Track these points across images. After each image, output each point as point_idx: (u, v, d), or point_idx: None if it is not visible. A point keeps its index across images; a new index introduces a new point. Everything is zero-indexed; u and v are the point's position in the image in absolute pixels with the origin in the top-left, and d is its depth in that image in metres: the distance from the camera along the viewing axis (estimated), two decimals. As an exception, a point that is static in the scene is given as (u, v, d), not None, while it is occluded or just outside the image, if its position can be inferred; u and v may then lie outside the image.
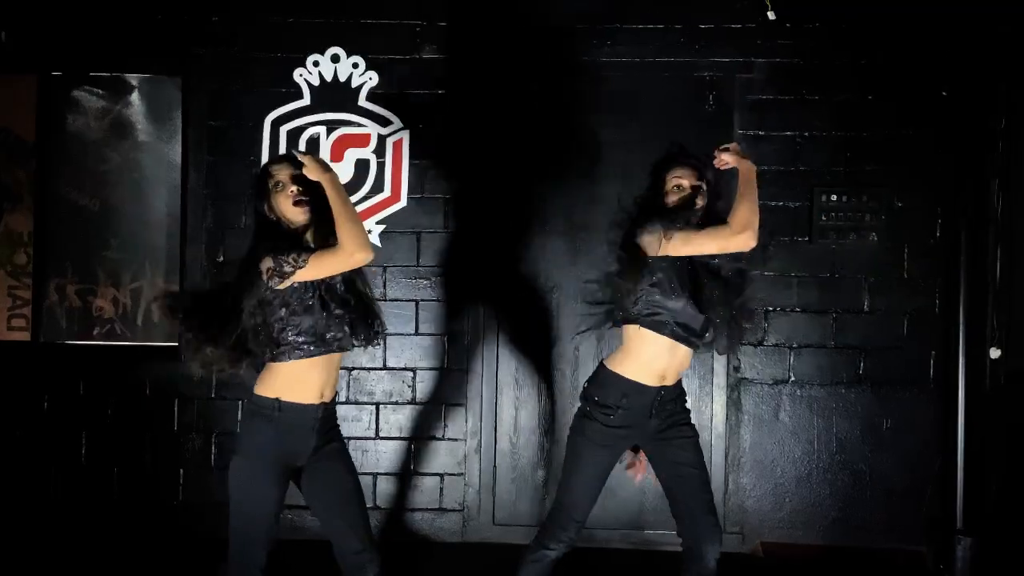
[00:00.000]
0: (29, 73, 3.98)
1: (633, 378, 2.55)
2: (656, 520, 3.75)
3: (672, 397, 2.63)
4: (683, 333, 2.54)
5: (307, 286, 2.32)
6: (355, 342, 2.40)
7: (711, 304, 2.54)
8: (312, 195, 2.35)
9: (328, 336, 2.34)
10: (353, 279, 2.42)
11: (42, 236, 4.00)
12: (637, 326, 2.56)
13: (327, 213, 2.32)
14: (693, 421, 2.71)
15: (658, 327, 2.53)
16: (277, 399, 2.35)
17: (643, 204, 2.62)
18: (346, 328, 2.36)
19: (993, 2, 3.61)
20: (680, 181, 2.60)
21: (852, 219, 3.79)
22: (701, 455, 2.65)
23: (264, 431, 2.35)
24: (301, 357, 2.33)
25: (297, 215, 2.36)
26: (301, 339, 2.32)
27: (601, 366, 2.65)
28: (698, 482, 2.59)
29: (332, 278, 2.36)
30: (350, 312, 2.38)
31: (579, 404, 2.67)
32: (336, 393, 2.51)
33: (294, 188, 2.35)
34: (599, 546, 3.75)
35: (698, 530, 2.55)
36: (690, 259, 2.55)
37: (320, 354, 2.34)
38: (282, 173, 2.38)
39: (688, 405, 2.73)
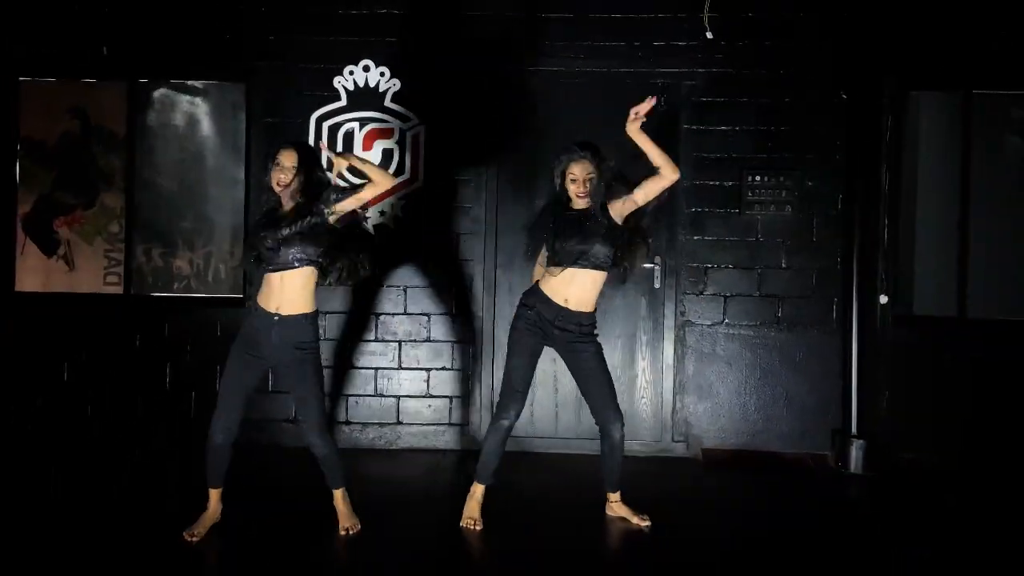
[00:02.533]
0: (121, 80, 4.94)
1: (545, 292, 3.49)
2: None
3: (576, 321, 3.46)
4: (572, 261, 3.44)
5: None
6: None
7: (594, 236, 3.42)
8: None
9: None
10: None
11: (132, 211, 4.95)
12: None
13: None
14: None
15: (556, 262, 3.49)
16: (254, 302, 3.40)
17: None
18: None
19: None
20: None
21: (773, 195, 4.76)
22: (602, 362, 3.53)
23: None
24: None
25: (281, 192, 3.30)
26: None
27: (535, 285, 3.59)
28: (599, 381, 3.50)
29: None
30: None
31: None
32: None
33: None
34: (576, 452, 4.73)
35: (604, 416, 3.52)
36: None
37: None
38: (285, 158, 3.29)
39: (594, 332, 3.56)
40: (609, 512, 3.69)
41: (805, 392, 4.77)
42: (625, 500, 3.70)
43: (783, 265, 4.79)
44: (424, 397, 4.88)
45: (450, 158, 4.85)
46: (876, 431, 4.58)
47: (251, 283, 4.82)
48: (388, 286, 4.87)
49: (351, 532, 3.45)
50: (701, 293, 4.83)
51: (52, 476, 4.27)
